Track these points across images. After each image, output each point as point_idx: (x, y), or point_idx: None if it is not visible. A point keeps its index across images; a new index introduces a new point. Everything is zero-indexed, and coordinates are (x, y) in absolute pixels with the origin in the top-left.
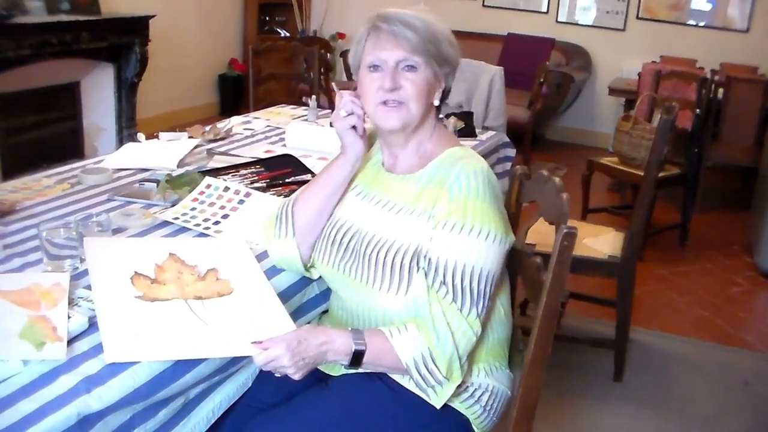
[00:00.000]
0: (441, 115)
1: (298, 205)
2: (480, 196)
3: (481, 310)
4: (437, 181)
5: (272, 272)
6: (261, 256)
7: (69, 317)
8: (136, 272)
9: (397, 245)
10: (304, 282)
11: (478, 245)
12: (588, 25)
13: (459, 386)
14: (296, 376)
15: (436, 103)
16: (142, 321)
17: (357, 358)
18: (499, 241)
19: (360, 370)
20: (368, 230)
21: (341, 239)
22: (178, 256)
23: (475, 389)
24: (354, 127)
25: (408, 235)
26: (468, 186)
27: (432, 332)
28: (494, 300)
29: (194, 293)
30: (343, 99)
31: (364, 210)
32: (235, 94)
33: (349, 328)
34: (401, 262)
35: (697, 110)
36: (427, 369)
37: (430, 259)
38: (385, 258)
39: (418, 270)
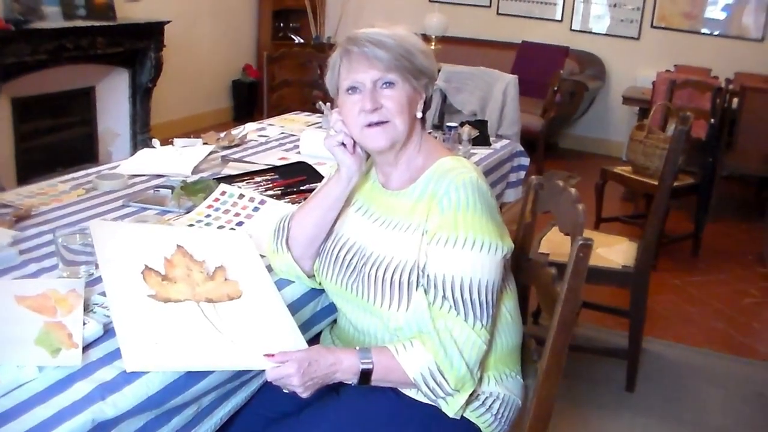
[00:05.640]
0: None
1: (296, 219)
2: (471, 207)
3: (487, 320)
4: (429, 195)
5: (284, 282)
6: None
7: (84, 324)
8: (146, 266)
9: (395, 262)
10: (316, 292)
11: (474, 257)
12: (602, 34)
13: (470, 395)
14: (304, 395)
15: (419, 115)
16: (158, 327)
17: (365, 376)
18: (495, 250)
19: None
20: (368, 248)
21: (344, 257)
22: (186, 250)
23: (486, 397)
24: (344, 144)
25: (405, 251)
26: (458, 198)
27: (438, 347)
28: (499, 306)
29: (205, 295)
30: (332, 117)
31: (363, 227)
32: (249, 100)
33: (357, 348)
34: (400, 279)
35: (712, 120)
36: (436, 382)
37: (428, 276)
38: (384, 275)
39: (417, 287)
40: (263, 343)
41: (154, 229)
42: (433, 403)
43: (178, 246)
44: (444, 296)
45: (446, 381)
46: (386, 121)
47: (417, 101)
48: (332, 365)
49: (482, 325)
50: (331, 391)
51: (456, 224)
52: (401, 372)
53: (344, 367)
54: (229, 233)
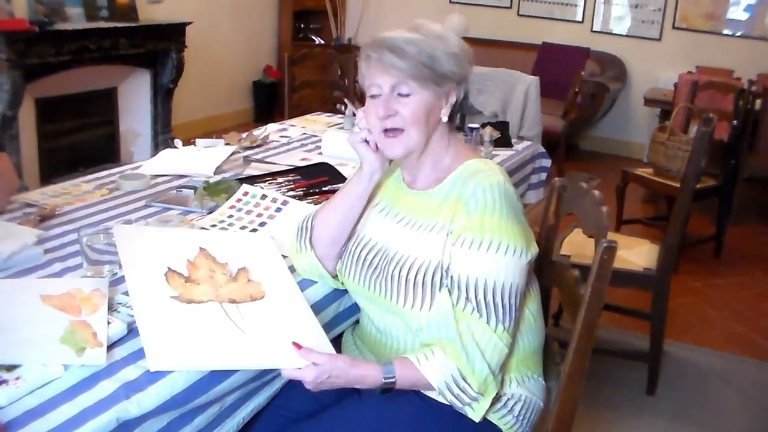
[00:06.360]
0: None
1: (319, 218)
2: (497, 210)
3: (509, 323)
4: (455, 196)
5: (307, 283)
6: (293, 267)
7: (108, 323)
8: (169, 268)
9: (419, 262)
10: (339, 292)
11: (498, 260)
12: (623, 35)
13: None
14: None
15: (445, 119)
16: (182, 327)
17: (388, 389)
18: (520, 254)
19: None
20: (391, 248)
21: (366, 256)
22: (209, 252)
23: (508, 399)
24: (367, 141)
25: (429, 251)
26: (485, 201)
27: (461, 351)
28: (522, 308)
29: (228, 296)
30: (358, 115)
31: (387, 227)
32: (269, 101)
33: (380, 364)
34: (423, 279)
35: (734, 121)
36: (460, 388)
37: (452, 277)
38: (407, 275)
39: (441, 287)
40: (286, 343)
41: (176, 233)
42: (459, 410)
43: (201, 248)
44: (467, 298)
45: (469, 385)
46: (401, 130)
47: (439, 108)
48: (354, 381)
49: (504, 328)
50: (354, 392)
51: (482, 227)
52: (425, 382)
53: (367, 382)
54: (252, 235)
